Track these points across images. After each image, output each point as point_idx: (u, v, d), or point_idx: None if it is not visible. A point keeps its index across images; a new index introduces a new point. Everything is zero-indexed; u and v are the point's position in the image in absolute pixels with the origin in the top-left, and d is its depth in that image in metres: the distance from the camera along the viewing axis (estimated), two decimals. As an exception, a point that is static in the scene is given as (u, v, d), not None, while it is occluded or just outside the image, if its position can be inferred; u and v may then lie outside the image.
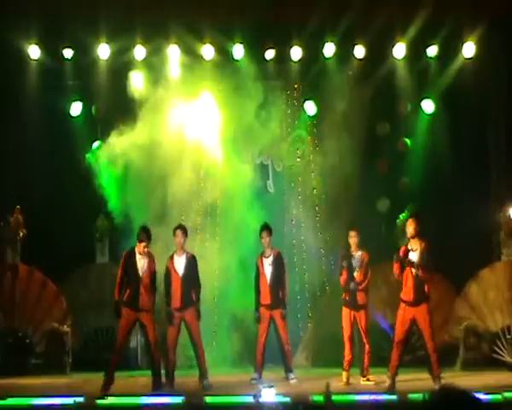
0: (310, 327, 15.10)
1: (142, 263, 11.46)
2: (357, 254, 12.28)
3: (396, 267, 11.18)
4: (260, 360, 12.39)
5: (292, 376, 12.30)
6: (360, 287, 12.16)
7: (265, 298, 12.42)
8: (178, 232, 11.96)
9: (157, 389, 11.10)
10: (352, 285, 12.15)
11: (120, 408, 9.80)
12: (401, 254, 11.11)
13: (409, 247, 11.17)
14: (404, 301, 11.21)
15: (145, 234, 11.49)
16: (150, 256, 11.55)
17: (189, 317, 11.82)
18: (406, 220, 11.47)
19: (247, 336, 14.08)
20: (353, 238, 12.34)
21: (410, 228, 11.19)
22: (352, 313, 12.17)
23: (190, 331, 11.89)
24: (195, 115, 15.22)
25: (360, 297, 12.18)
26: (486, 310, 14.19)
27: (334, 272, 14.99)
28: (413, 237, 11.18)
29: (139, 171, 14.55)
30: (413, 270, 11.07)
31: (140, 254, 11.45)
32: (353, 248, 12.32)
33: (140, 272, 11.41)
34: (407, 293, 11.16)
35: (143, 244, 11.41)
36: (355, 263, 12.25)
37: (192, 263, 11.94)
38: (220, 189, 15.02)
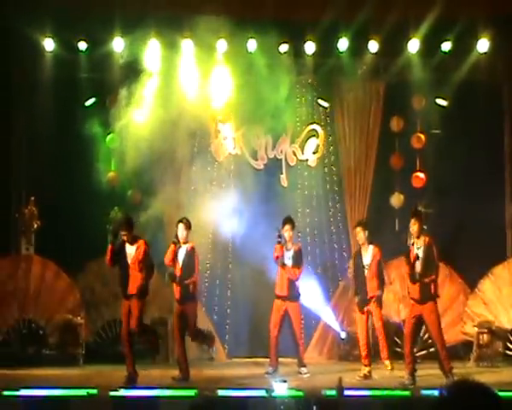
0: (322, 322, 15.08)
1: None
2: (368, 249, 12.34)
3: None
4: (274, 354, 12.39)
5: (304, 370, 12.30)
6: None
7: (282, 289, 12.43)
8: (181, 226, 11.85)
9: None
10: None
11: (133, 400, 9.83)
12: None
13: (415, 245, 11.30)
14: (412, 299, 11.37)
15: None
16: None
17: (188, 311, 11.77)
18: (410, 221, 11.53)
19: (260, 328, 14.08)
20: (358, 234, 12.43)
21: (415, 228, 11.31)
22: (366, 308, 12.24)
23: (187, 325, 11.87)
24: (209, 108, 15.27)
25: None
26: (500, 307, 14.15)
27: (346, 267, 15.03)
28: (418, 237, 11.31)
29: (153, 160, 14.67)
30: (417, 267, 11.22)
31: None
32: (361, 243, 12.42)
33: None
34: (413, 291, 11.36)
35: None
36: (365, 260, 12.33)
37: (191, 255, 11.85)
38: (233, 182, 15.08)
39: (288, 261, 12.45)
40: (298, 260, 12.49)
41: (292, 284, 12.42)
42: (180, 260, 11.80)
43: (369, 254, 12.30)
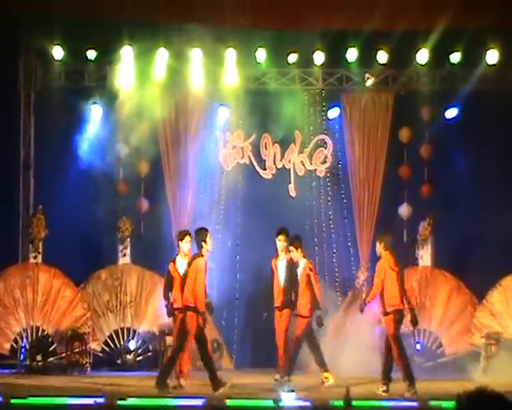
0: (330, 332, 15.03)
1: None
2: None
3: None
4: (282, 363, 12.25)
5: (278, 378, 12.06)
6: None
7: (277, 300, 12.35)
8: (188, 238, 11.70)
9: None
10: None
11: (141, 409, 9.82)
12: None
13: None
14: None
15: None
16: None
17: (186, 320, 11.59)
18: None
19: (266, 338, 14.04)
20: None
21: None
22: None
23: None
24: (217, 117, 15.31)
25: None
26: (508, 318, 14.13)
27: (354, 277, 15.02)
28: None
29: (161, 170, 14.71)
30: None
31: None
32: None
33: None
34: None
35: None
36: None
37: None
38: (242, 193, 15.13)
39: (283, 271, 12.36)
40: (293, 268, 12.33)
41: (287, 294, 12.28)
42: (180, 271, 11.61)
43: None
